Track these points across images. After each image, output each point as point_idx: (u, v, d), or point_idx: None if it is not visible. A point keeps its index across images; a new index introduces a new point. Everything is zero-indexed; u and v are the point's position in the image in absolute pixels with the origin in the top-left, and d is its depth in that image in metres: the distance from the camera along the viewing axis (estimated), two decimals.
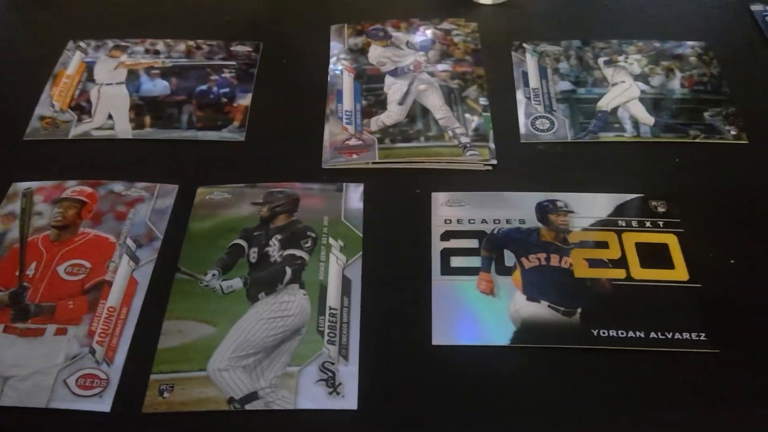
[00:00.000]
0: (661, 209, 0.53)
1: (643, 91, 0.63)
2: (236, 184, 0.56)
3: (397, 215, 0.55)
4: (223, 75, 0.66)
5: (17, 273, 0.50)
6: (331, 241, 0.52)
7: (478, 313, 0.47)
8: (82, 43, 0.69)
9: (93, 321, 0.47)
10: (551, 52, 0.68)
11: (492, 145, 0.59)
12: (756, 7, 0.72)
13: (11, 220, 0.54)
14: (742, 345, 0.46)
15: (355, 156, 0.58)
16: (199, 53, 0.68)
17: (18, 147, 0.60)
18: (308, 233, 0.52)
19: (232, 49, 0.68)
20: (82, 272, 0.50)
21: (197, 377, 0.44)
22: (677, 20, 0.71)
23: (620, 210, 0.54)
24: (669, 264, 0.50)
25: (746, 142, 0.59)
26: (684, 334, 0.46)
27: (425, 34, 0.69)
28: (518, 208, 0.54)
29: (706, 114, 0.61)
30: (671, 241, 0.51)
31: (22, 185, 0.56)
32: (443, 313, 0.47)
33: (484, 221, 0.53)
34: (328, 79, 0.65)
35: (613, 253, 0.51)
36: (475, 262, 0.50)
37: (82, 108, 0.63)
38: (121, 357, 0.46)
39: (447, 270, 0.50)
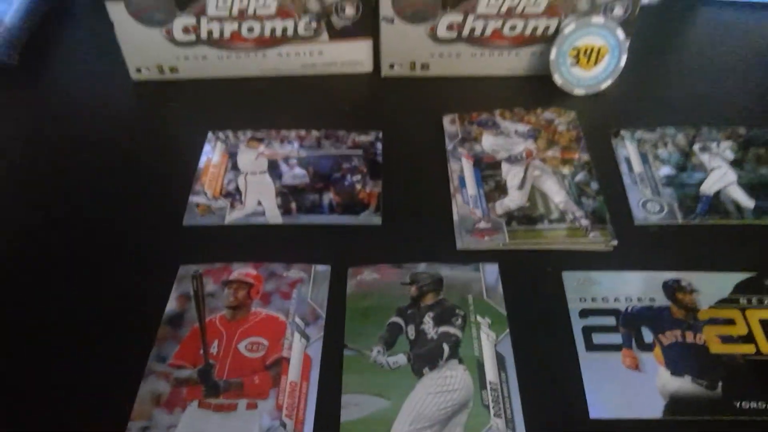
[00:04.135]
0: None
1: (739, 176, 0.69)
2: (382, 264, 0.62)
3: (533, 293, 0.60)
4: (353, 163, 0.73)
5: (201, 351, 0.56)
6: (479, 318, 0.57)
7: (628, 387, 0.52)
8: (220, 134, 0.77)
9: (279, 395, 0.52)
10: (648, 139, 0.74)
11: (611, 227, 0.65)
12: None
13: (186, 301, 0.60)
14: None
15: (486, 238, 0.64)
16: (327, 143, 0.76)
17: (178, 233, 0.67)
18: (457, 311, 0.58)
19: (356, 138, 0.76)
20: (261, 349, 0.55)
21: None
22: (760, 107, 0.78)
23: (739, 288, 0.59)
24: None
25: None
26: None
27: (530, 123, 0.76)
28: (645, 287, 0.59)
29: None
30: None
31: (190, 268, 0.63)
32: (596, 387, 0.52)
33: (616, 299, 0.58)
34: (449, 165, 0.72)
35: (741, 329, 0.55)
36: (615, 339, 0.55)
37: (232, 195, 0.70)
38: (308, 430, 0.51)
39: (591, 346, 0.55)
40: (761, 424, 0.50)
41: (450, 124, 0.77)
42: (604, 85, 0.81)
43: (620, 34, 0.78)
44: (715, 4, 0.97)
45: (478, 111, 0.79)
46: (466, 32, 0.80)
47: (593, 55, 0.79)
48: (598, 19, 0.77)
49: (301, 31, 0.81)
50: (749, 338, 0.55)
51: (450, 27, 0.80)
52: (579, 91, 0.81)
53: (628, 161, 0.72)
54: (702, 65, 0.86)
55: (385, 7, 0.79)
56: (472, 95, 0.83)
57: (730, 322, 0.56)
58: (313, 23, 0.81)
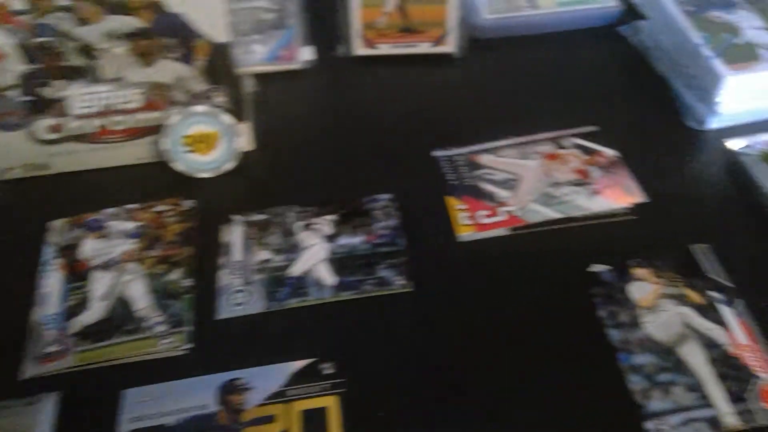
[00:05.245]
0: (328, 371, 0.61)
1: (331, 252, 0.72)
2: None
3: (91, 423, 0.58)
4: None
5: None
6: None
7: None
8: None
9: None
10: (257, 222, 0.75)
11: (189, 329, 0.65)
12: (436, 153, 0.84)
13: None
14: None
15: (53, 363, 0.61)
16: None
17: None
18: None
19: None
20: None
21: None
22: (372, 176, 0.81)
23: (293, 378, 0.60)
24: (329, 428, 0.56)
25: (412, 289, 0.69)
26: None
27: (142, 219, 0.75)
28: (203, 392, 0.59)
29: (379, 267, 0.70)
30: (333, 403, 0.58)
31: None
32: None
33: (169, 414, 0.58)
34: (37, 281, 0.69)
35: (280, 426, 0.57)
36: None
37: None
38: None
39: None
40: None
41: (54, 231, 0.74)
42: (226, 167, 0.81)
43: (226, 118, 0.79)
44: (369, 62, 0.98)
45: (100, 208, 0.76)
46: (69, 133, 0.77)
47: (206, 141, 0.80)
48: (200, 107, 0.78)
49: None
50: None
51: (49, 129, 0.77)
52: (202, 175, 0.81)
53: (230, 249, 0.73)
54: (343, 133, 0.88)
55: None
56: (101, 190, 0.80)
57: (272, 419, 0.57)
58: None
